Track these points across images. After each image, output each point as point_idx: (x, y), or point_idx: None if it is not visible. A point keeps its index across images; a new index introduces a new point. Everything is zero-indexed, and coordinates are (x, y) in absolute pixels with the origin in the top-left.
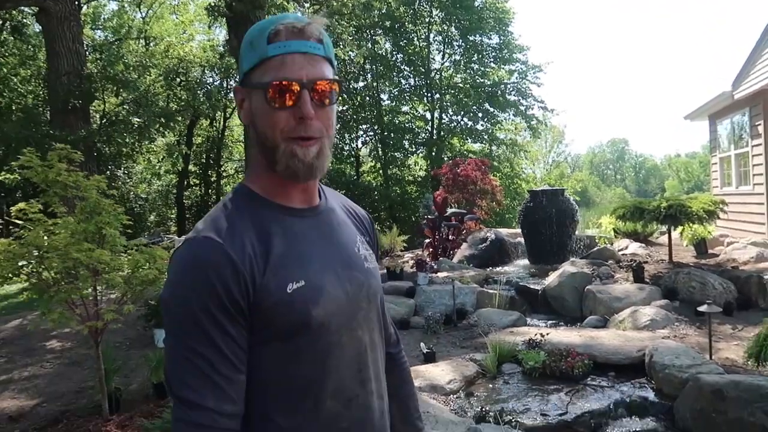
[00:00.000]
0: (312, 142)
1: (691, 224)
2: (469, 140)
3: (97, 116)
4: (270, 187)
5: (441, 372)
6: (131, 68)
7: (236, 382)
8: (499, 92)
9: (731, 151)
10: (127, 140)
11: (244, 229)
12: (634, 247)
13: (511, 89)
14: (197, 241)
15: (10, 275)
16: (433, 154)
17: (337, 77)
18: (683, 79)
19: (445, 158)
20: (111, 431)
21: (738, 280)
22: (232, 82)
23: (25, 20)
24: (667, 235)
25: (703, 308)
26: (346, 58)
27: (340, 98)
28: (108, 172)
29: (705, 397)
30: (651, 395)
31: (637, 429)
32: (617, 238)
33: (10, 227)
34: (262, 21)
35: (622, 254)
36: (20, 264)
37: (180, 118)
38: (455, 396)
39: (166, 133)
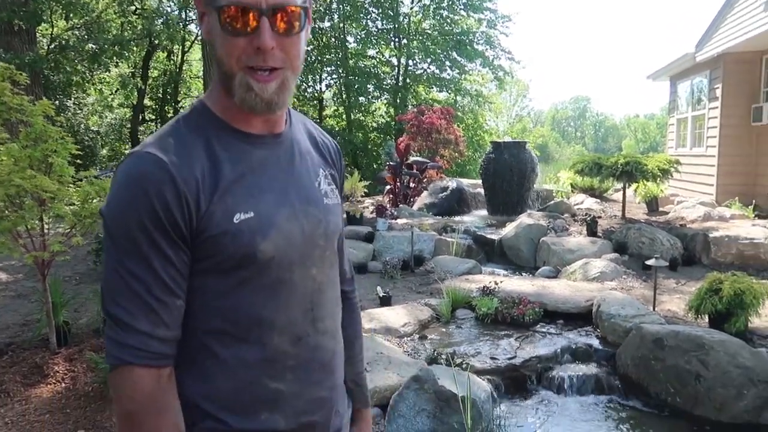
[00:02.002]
0: (271, 77)
1: (645, 182)
2: (435, 89)
3: (45, 41)
4: (228, 109)
5: (396, 315)
6: None
7: (172, 307)
8: (467, 41)
9: (689, 112)
10: (78, 68)
11: (194, 149)
12: (589, 202)
13: (479, 38)
14: (140, 155)
15: None
16: (398, 101)
17: (306, 3)
18: (648, 40)
19: (410, 106)
20: (59, 364)
21: (685, 238)
22: (191, 14)
23: None
24: (621, 191)
25: (650, 262)
26: None
27: (310, 26)
28: (57, 101)
29: (646, 345)
30: (596, 343)
31: (581, 373)
32: (574, 192)
33: None
34: None
35: (578, 208)
36: None
37: (135, 48)
38: (409, 339)
39: (119, 62)
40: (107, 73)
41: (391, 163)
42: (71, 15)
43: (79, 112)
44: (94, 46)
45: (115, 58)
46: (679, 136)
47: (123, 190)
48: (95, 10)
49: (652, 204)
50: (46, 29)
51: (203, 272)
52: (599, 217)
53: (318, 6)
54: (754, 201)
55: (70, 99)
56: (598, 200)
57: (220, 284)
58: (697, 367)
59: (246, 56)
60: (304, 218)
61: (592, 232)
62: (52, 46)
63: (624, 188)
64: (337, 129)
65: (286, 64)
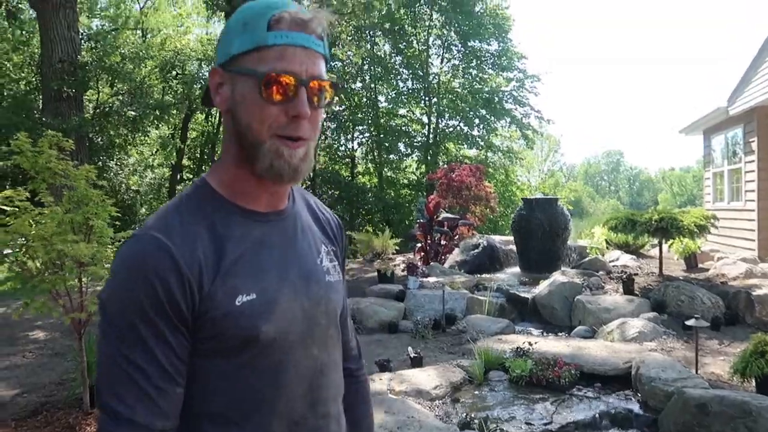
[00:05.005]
0: (300, 143)
1: (681, 238)
2: (465, 145)
3: (91, 106)
4: (236, 184)
5: (427, 377)
6: (126, 59)
7: (172, 396)
8: (497, 99)
9: (724, 166)
10: (120, 131)
11: (197, 230)
12: (625, 259)
13: (508, 97)
14: (143, 239)
15: None
16: (429, 157)
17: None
18: (680, 93)
19: (441, 162)
20: (91, 424)
21: (726, 296)
22: None
23: (20, 5)
24: (658, 247)
25: (690, 322)
26: (345, 58)
27: (334, 101)
28: (100, 162)
29: (689, 410)
30: (636, 407)
31: None
32: (609, 249)
33: None
34: (259, 1)
35: (613, 265)
36: (4, 252)
37: (175, 111)
38: (441, 402)
39: (160, 125)
40: (148, 136)
41: (421, 220)
42: (116, 82)
43: (120, 172)
44: (134, 113)
45: (155, 121)
46: (715, 191)
47: (125, 276)
48: (139, 76)
49: (691, 260)
50: (92, 95)
51: (204, 354)
52: (636, 275)
53: (350, 68)
54: None
55: (112, 160)
56: (634, 257)
57: (220, 366)
58: None
59: (279, 124)
60: (305, 296)
61: (628, 290)
62: (97, 111)
63: (660, 244)
64: (368, 186)
65: (311, 135)
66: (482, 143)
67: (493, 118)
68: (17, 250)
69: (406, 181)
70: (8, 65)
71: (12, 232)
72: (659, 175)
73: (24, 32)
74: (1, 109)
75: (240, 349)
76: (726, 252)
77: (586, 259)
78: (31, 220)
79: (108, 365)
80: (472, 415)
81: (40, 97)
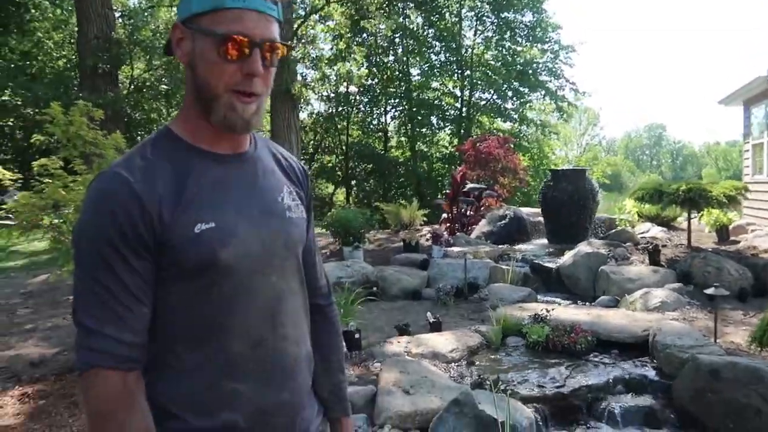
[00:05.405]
0: (253, 99)
1: (710, 209)
2: (499, 119)
3: (127, 82)
4: (196, 130)
5: (445, 341)
6: (159, 34)
7: (137, 314)
8: (530, 71)
9: (764, 138)
10: (154, 106)
11: (158, 168)
12: (655, 231)
13: (542, 69)
14: (106, 175)
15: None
16: (462, 131)
17: (287, 43)
18: (723, 63)
19: (474, 136)
20: None
21: (755, 267)
22: None
23: None
24: (690, 220)
25: (709, 291)
26: (376, 31)
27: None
28: (138, 137)
29: (702, 376)
30: (651, 374)
31: (634, 405)
32: (640, 221)
33: (31, 182)
34: None
35: (642, 237)
36: (41, 216)
37: None
38: (456, 364)
39: None
40: None
41: (446, 191)
42: (150, 58)
43: None
44: (166, 86)
45: None
46: (755, 163)
47: (90, 210)
48: None
49: (723, 233)
50: (127, 71)
51: (167, 280)
52: (664, 246)
53: (381, 41)
54: None
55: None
56: (665, 229)
57: (182, 291)
58: (757, 401)
59: (234, 81)
60: (264, 229)
61: (654, 260)
62: (131, 87)
63: (689, 216)
64: (401, 160)
65: (264, 91)
66: (516, 116)
67: (526, 90)
68: (51, 214)
69: (439, 155)
70: (49, 43)
71: (47, 198)
72: (704, 150)
73: (63, 11)
74: (42, 86)
75: (200, 274)
76: (763, 225)
77: (614, 230)
78: (63, 187)
79: (81, 288)
80: (486, 377)
81: (78, 73)
